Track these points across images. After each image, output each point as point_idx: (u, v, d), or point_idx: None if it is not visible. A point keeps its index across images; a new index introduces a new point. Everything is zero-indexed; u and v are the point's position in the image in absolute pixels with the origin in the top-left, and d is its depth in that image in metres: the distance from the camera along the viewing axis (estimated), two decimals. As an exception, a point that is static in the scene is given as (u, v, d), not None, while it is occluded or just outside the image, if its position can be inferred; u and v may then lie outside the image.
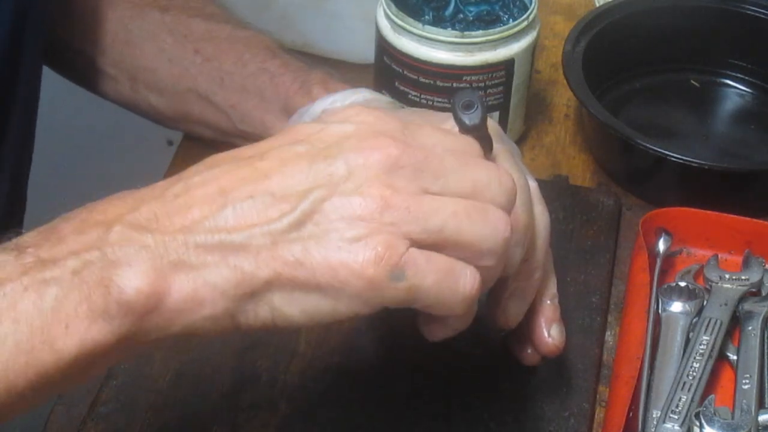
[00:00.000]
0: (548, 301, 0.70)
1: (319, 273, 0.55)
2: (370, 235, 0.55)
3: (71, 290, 0.53)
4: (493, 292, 0.67)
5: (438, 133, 0.60)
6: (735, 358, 0.75)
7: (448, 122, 0.62)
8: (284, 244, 0.55)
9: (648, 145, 0.86)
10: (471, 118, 0.61)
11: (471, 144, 0.61)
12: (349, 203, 0.55)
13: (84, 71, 0.89)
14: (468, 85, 0.86)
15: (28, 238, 0.56)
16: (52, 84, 0.89)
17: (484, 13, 0.93)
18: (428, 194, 0.56)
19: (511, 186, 0.59)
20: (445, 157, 0.58)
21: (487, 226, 0.57)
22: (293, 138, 0.58)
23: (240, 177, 0.56)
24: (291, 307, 0.56)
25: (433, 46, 0.86)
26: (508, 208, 0.59)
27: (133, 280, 0.53)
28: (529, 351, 0.71)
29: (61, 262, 0.54)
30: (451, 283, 0.57)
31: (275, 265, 0.55)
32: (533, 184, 0.67)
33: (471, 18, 0.93)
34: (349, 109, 0.60)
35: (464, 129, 0.61)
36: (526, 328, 0.70)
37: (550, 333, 0.70)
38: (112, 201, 0.57)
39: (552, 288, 0.70)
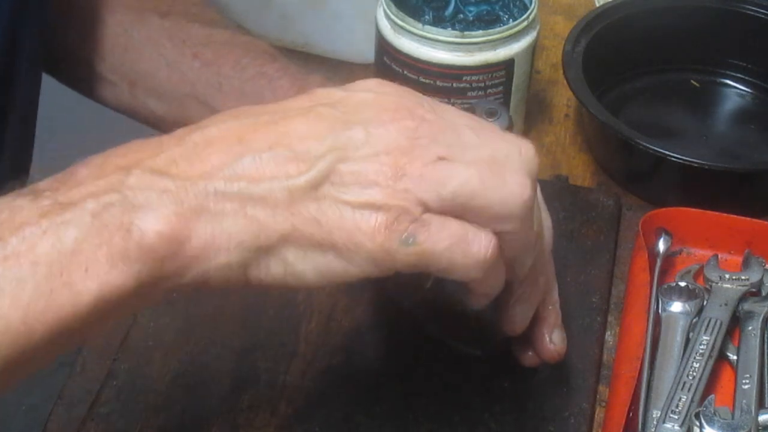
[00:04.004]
0: (550, 307, 0.70)
1: (335, 233, 0.55)
2: (383, 201, 0.55)
3: (90, 233, 0.52)
4: (499, 298, 0.67)
5: (457, 110, 0.60)
6: (735, 358, 0.75)
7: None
8: (301, 201, 0.55)
9: (648, 145, 0.86)
10: (501, 123, 0.62)
11: (490, 123, 0.61)
12: (366, 168, 0.55)
13: (83, 77, 0.88)
14: (468, 85, 0.86)
15: (43, 183, 0.55)
16: (51, 86, 0.88)
17: (484, 13, 0.93)
18: (444, 161, 0.56)
19: (532, 155, 0.59)
20: (464, 130, 0.58)
21: (504, 190, 0.57)
22: (315, 100, 0.58)
23: (260, 130, 0.56)
24: (304, 264, 0.56)
25: (433, 46, 0.86)
26: (531, 175, 0.58)
27: (155, 224, 0.53)
28: (530, 353, 0.72)
29: (79, 204, 0.53)
30: (463, 248, 0.56)
31: (293, 220, 0.55)
32: None
33: (471, 18, 0.93)
34: (371, 81, 0.60)
35: None
36: (527, 333, 0.70)
37: (551, 339, 0.70)
38: (131, 147, 0.56)
39: (554, 294, 0.70)
